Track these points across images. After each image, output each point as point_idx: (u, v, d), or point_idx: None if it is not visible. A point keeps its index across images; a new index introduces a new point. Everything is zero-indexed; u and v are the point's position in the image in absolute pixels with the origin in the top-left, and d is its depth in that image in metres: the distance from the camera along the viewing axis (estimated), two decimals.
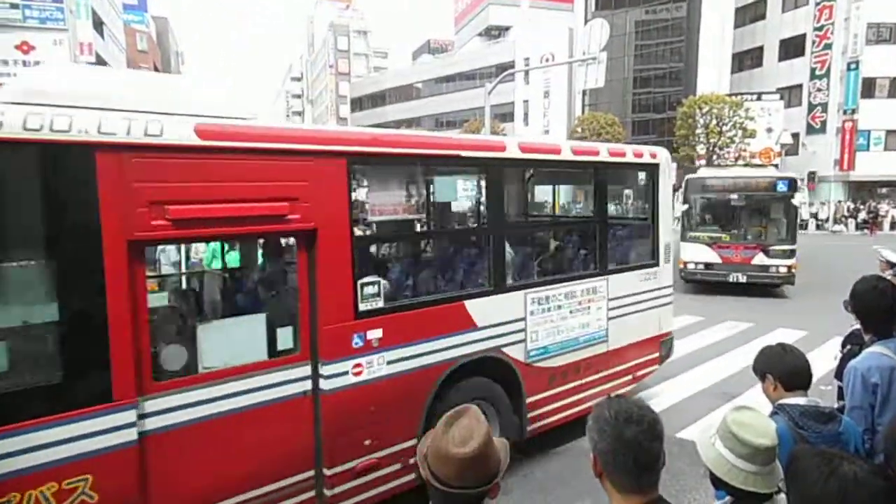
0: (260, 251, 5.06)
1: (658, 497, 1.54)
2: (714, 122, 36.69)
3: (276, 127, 3.65)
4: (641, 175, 6.54)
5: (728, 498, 1.85)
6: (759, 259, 13.03)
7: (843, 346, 3.65)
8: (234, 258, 5.96)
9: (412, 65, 71.92)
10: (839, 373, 3.31)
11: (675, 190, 12.24)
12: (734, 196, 13.64)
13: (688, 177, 14.47)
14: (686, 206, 14.10)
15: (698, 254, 13.62)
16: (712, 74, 41.86)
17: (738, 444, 1.74)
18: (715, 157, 36.41)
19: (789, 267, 12.93)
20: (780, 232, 13.37)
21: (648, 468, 1.52)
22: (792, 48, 41.85)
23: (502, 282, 4.79)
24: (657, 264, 6.23)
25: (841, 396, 3.13)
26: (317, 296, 3.69)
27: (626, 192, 12.98)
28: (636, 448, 1.50)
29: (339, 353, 3.77)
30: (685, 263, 13.67)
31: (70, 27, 42.54)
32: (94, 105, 2.98)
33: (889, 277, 6.36)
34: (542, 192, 8.84)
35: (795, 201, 13.03)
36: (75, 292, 2.87)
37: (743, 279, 13.14)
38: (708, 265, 13.52)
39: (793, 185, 13.07)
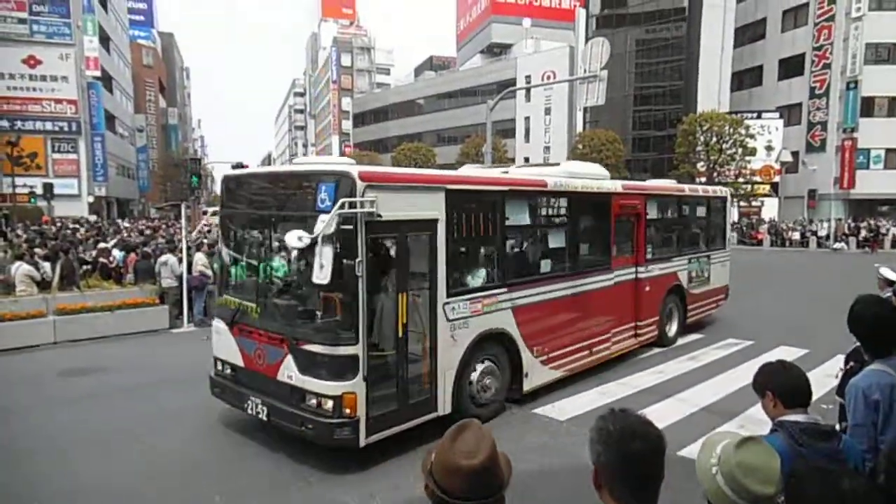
0: None
1: None
2: (714, 139, 36.90)
3: None
4: None
5: None
6: (287, 369, 5.64)
7: (846, 363, 3.64)
8: None
9: (414, 81, 72.52)
10: (841, 390, 3.30)
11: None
12: (264, 215, 6.60)
13: (224, 175, 7.42)
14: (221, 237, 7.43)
15: (221, 343, 6.65)
16: (712, 93, 42.19)
17: (741, 489, 1.72)
18: (716, 174, 36.55)
19: (338, 401, 5.23)
20: (326, 304, 5.63)
21: (650, 483, 1.53)
22: (791, 67, 42.27)
23: None
24: None
25: (843, 415, 3.11)
26: None
27: None
28: (640, 463, 1.51)
29: None
30: (215, 360, 6.78)
31: (77, 42, 43.04)
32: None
33: (887, 296, 6.35)
34: None
35: (306, 236, 5.19)
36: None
37: (263, 414, 5.89)
38: (234, 370, 6.47)
39: (343, 187, 5.27)
